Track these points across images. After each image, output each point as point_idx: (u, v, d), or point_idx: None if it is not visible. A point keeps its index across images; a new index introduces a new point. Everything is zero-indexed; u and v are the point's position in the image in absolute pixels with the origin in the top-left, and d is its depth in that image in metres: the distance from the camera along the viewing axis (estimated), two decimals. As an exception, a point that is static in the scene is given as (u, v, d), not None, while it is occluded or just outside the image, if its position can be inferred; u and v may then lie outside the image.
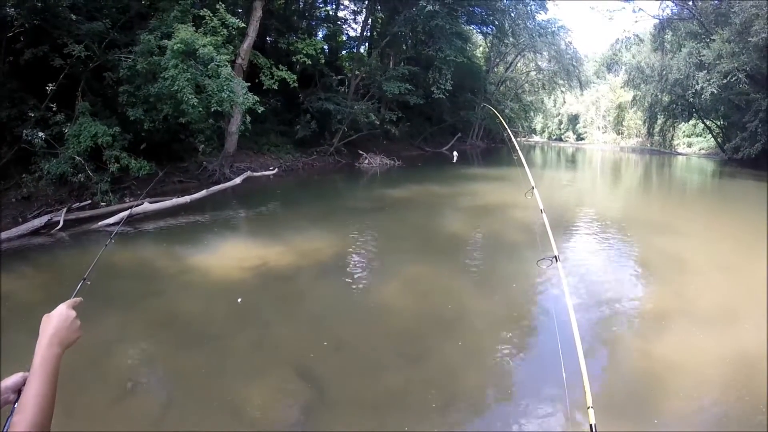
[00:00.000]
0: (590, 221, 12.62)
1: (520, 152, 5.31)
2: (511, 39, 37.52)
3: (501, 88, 43.96)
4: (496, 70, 45.82)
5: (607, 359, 5.35)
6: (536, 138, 79.21)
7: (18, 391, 1.34)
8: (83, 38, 11.56)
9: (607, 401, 4.42)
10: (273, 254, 8.58)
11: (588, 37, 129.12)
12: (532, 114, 58.80)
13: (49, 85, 11.38)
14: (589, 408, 2.01)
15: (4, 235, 8.97)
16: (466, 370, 5.01)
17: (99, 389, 4.49)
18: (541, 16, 38.64)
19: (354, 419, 4.19)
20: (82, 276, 2.29)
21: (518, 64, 48.39)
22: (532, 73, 49.07)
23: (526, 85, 50.15)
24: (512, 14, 33.80)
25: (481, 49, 46.03)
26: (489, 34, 38.33)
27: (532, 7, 36.64)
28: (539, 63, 47.11)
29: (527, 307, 6.91)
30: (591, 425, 1.90)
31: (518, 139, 59.94)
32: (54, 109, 11.35)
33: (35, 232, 9.49)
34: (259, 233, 10.74)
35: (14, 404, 1.32)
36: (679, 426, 4.16)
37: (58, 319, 1.30)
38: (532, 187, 4.31)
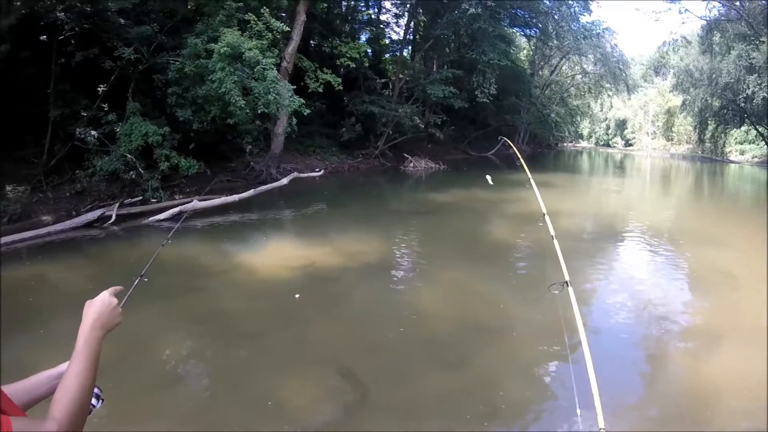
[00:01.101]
0: (634, 233, 12.05)
1: (529, 173, 4.98)
2: (555, 41, 36.94)
3: (546, 91, 43.24)
4: (540, 73, 45.17)
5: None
6: (583, 143, 77.58)
7: None
8: (132, 41, 11.81)
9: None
10: (318, 255, 8.53)
11: (634, 39, 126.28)
12: (578, 119, 57.58)
13: (101, 86, 11.68)
14: (601, 430, 2.03)
15: (59, 226, 9.24)
16: (504, 381, 4.80)
17: (141, 378, 4.49)
18: (585, 18, 37.88)
19: (392, 422, 4.09)
20: (139, 273, 2.33)
21: (563, 67, 47.62)
22: (578, 77, 48.08)
23: (572, 88, 49.13)
24: (555, 16, 33.26)
25: (525, 52, 45.36)
26: (532, 36, 37.82)
27: (576, 8, 35.89)
28: (584, 66, 46.19)
29: (571, 317, 6.60)
30: None
31: (565, 144, 59.01)
32: (106, 109, 11.65)
33: (89, 225, 9.76)
34: (305, 234, 10.71)
35: None
36: None
37: (100, 304, 1.37)
38: (544, 215, 4.16)
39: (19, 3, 10.50)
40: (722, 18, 35.44)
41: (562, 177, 26.70)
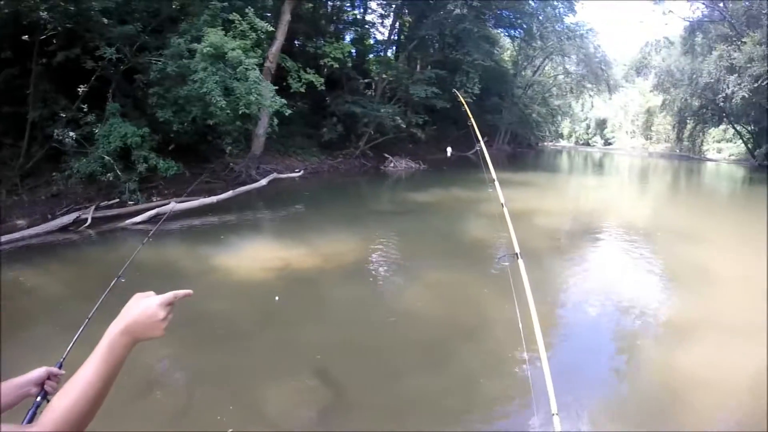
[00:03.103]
0: (614, 230, 12.36)
1: (490, 164, 5.13)
2: (539, 42, 37.27)
3: (528, 91, 43.52)
4: (523, 73, 45.41)
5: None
6: (563, 142, 78.33)
7: (41, 384, 1.36)
8: (114, 41, 11.75)
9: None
10: (297, 256, 8.59)
11: (617, 40, 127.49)
12: (559, 118, 58.13)
13: (81, 86, 11.62)
14: (554, 415, 2.03)
15: (33, 231, 9.20)
16: (488, 378, 4.94)
17: (120, 385, 4.50)
18: (569, 19, 38.23)
19: (372, 423, 4.18)
20: (116, 275, 2.31)
21: (546, 68, 47.88)
22: (560, 77, 48.45)
23: (554, 88, 49.50)
24: (540, 17, 33.57)
25: (508, 52, 45.61)
26: (517, 37, 38.08)
27: (561, 9, 36.27)
28: (567, 66, 46.51)
29: (550, 312, 6.82)
30: None
31: (545, 143, 59.45)
32: (85, 109, 11.63)
33: (64, 228, 9.71)
34: (284, 235, 10.76)
35: (36, 397, 1.34)
36: None
37: (143, 311, 1.17)
38: (494, 180, 4.31)
39: (2, 2, 10.42)
40: (705, 19, 36.05)
41: (542, 176, 27.02)
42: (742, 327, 6.18)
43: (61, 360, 1.69)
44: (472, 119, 5.71)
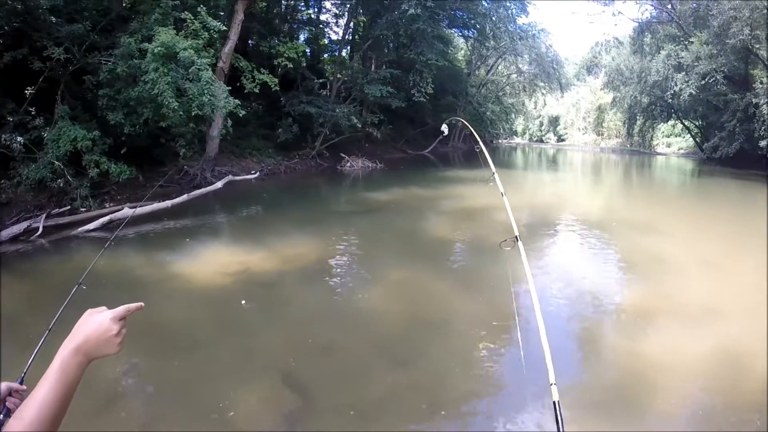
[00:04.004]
0: (570, 222, 12.78)
1: (489, 160, 5.28)
2: (492, 42, 37.66)
3: (482, 90, 44.08)
4: (477, 72, 45.99)
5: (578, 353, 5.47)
6: (517, 140, 79.74)
7: (2, 401, 1.33)
8: (63, 41, 11.42)
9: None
10: (255, 260, 8.56)
11: (568, 40, 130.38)
12: (513, 116, 59.06)
13: (28, 88, 11.25)
14: (552, 385, 2.02)
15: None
16: (452, 372, 5.06)
17: (81, 400, 4.40)
18: (521, 20, 38.92)
19: (340, 424, 4.22)
20: (74, 284, 2.27)
21: (499, 67, 48.60)
22: (513, 76, 49.26)
23: (507, 87, 50.32)
24: (493, 18, 33.92)
25: (462, 52, 46.19)
26: (470, 37, 38.47)
27: (513, 10, 36.85)
28: (520, 66, 47.33)
29: (506, 304, 7.00)
30: (554, 402, 1.89)
31: (500, 140, 60.35)
32: (33, 113, 11.21)
33: (14, 239, 9.36)
34: (242, 238, 10.68)
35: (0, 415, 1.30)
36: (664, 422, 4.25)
37: (95, 328, 1.14)
38: (493, 174, 4.29)
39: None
40: (654, 20, 37.18)
41: (498, 172, 27.37)
42: (701, 311, 6.59)
43: (23, 375, 1.67)
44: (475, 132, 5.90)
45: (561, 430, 1.73)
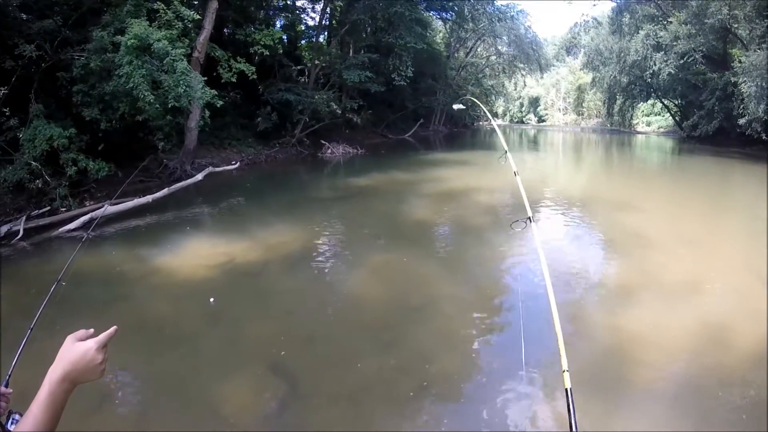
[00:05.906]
0: (552, 201, 12.89)
1: (497, 128, 5.38)
2: (470, 24, 37.70)
3: (462, 73, 44.10)
4: (456, 55, 46.02)
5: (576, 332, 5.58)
6: (498, 121, 79.93)
7: None
8: (34, 37, 11.22)
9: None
10: (239, 250, 8.59)
11: (547, 21, 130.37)
12: (493, 98, 59.20)
13: (1, 89, 11.06)
14: (564, 371, 1.95)
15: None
16: (440, 354, 5.15)
17: (73, 399, 4.39)
18: (500, 1, 39.03)
19: (329, 410, 4.28)
20: (55, 280, 2.26)
21: (478, 49, 48.66)
22: (493, 58, 49.35)
23: (487, 69, 50.37)
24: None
25: (441, 35, 46.05)
26: (449, 20, 38.42)
27: (491, -8, 36.88)
28: (499, 47, 47.48)
29: (495, 286, 7.14)
30: (566, 389, 1.83)
31: (481, 123, 60.49)
32: (7, 113, 11.04)
33: (-5, 243, 9.22)
34: (224, 230, 10.67)
35: None
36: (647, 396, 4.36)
37: (80, 357, 1.20)
38: (506, 152, 4.29)
39: None
40: (632, 0, 37.30)
41: (480, 154, 27.56)
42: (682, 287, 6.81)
43: (7, 378, 1.69)
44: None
45: (573, 418, 1.70)
